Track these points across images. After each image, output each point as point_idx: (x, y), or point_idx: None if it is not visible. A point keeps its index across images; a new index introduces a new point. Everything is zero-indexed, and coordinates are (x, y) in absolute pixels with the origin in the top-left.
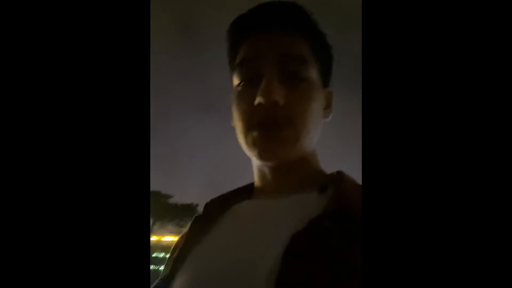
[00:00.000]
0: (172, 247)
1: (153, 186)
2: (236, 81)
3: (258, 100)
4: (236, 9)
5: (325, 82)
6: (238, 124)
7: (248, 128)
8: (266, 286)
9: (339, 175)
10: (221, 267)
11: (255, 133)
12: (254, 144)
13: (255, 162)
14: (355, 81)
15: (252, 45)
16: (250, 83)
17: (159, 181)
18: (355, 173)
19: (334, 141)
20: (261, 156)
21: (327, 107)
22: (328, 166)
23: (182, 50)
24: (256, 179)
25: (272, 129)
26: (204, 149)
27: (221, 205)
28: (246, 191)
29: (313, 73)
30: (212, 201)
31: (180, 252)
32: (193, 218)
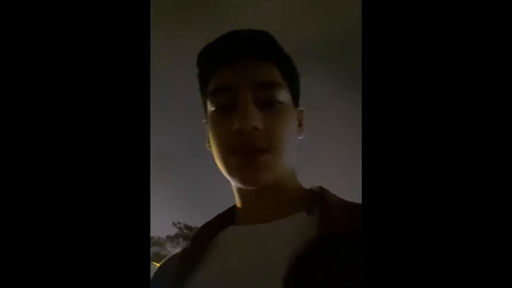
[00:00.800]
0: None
1: None
2: (210, 107)
3: (237, 125)
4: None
5: (296, 102)
6: (216, 149)
7: (227, 154)
8: None
9: (321, 191)
10: None
11: (234, 159)
12: (235, 170)
13: (235, 185)
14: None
15: (224, 75)
16: (225, 110)
17: None
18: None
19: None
20: (243, 181)
21: (300, 125)
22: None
23: None
24: (238, 202)
25: (252, 155)
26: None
27: (207, 234)
28: (229, 215)
29: (286, 96)
30: (197, 231)
31: (172, 282)
32: (181, 250)
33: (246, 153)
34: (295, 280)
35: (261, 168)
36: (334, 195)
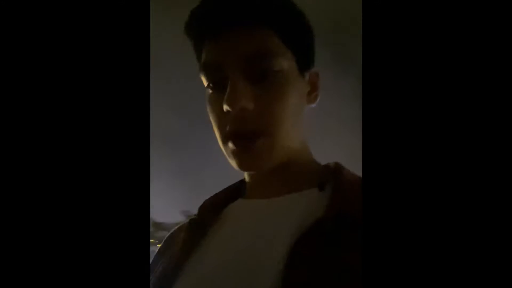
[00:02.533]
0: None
1: None
2: (204, 82)
3: (225, 107)
4: None
5: (305, 67)
6: (215, 130)
7: (223, 138)
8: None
9: (337, 168)
10: (223, 271)
11: (230, 144)
12: (232, 155)
13: None
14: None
15: (212, 48)
16: (216, 87)
17: None
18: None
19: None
20: (241, 167)
21: (312, 91)
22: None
23: None
24: (247, 177)
25: (245, 140)
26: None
27: (215, 206)
28: (239, 189)
29: (286, 63)
30: (205, 202)
31: (179, 256)
32: (188, 220)
33: (239, 139)
34: (296, 259)
35: (258, 154)
36: (352, 173)
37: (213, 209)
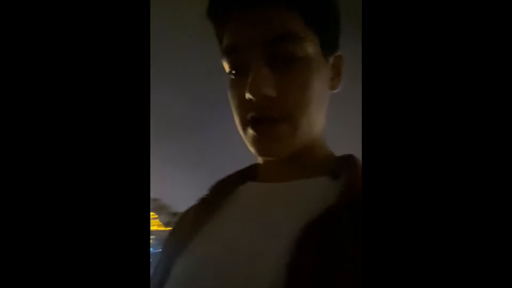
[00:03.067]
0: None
1: None
2: (226, 68)
3: (246, 95)
4: None
5: (331, 49)
6: (235, 117)
7: (243, 124)
8: (278, 274)
9: (351, 159)
10: (228, 251)
11: (250, 131)
12: (252, 141)
13: None
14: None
15: (233, 31)
16: (239, 73)
17: None
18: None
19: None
20: (260, 153)
21: (336, 76)
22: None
23: None
24: (261, 161)
25: (267, 126)
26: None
27: (226, 186)
28: (251, 172)
29: (310, 49)
30: (217, 183)
31: (187, 231)
32: (199, 200)
33: (260, 125)
34: (304, 244)
35: (276, 140)
36: (359, 163)
37: (224, 189)
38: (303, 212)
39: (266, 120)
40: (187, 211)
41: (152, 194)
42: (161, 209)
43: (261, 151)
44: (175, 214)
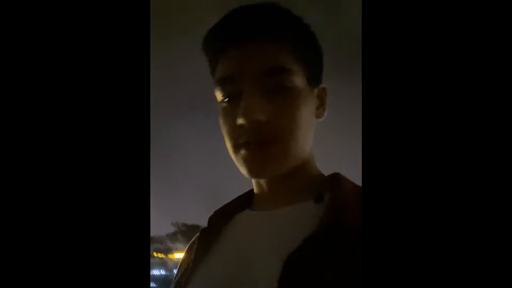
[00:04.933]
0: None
1: None
2: (218, 97)
3: (239, 121)
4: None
5: (315, 82)
6: (226, 142)
7: (235, 147)
8: None
9: (335, 179)
10: (226, 279)
11: (242, 152)
12: (243, 162)
13: None
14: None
15: (227, 62)
16: (231, 100)
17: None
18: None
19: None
20: (251, 174)
21: (320, 105)
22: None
23: None
24: (255, 187)
25: (258, 148)
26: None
27: (224, 216)
28: (247, 199)
29: (298, 80)
30: (215, 213)
31: (191, 262)
32: (200, 231)
33: (252, 147)
34: (289, 274)
35: (268, 160)
36: (349, 181)
37: (222, 219)
38: (288, 240)
39: (257, 142)
40: (192, 242)
41: None
42: None
43: (252, 171)
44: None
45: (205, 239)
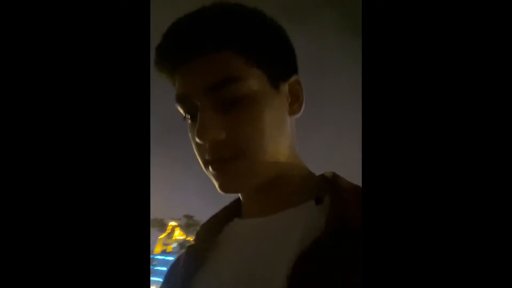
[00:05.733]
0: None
1: None
2: (182, 113)
3: (197, 140)
4: None
5: (280, 80)
6: (197, 158)
7: (204, 164)
8: None
9: (333, 179)
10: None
11: (210, 169)
12: (213, 179)
13: None
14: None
15: (181, 80)
16: (192, 118)
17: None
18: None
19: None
20: (222, 190)
21: (295, 101)
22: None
23: None
24: (241, 196)
25: (223, 165)
26: None
27: (211, 229)
28: (234, 208)
29: (255, 85)
30: (201, 228)
31: (182, 280)
32: (186, 248)
33: (216, 165)
34: (298, 279)
35: (236, 176)
36: (348, 182)
37: (210, 232)
38: (294, 245)
39: (220, 161)
40: (175, 262)
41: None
42: None
43: (224, 188)
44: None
45: (193, 257)
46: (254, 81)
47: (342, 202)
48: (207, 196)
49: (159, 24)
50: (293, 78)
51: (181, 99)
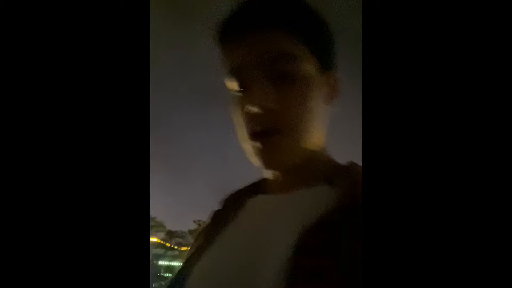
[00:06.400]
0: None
1: None
2: (230, 87)
3: (250, 109)
4: None
5: (326, 69)
6: (238, 132)
7: (247, 138)
8: (276, 282)
9: (352, 166)
10: (237, 261)
11: (255, 144)
12: (257, 153)
13: None
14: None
15: (237, 54)
16: (243, 90)
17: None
18: None
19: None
20: (264, 165)
21: (331, 93)
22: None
23: None
24: (267, 175)
25: (271, 139)
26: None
27: (237, 200)
28: (261, 185)
29: (308, 67)
30: (230, 196)
31: (202, 242)
32: (213, 212)
33: (265, 138)
34: (303, 249)
35: (282, 150)
36: (359, 169)
37: (235, 202)
38: (302, 217)
39: (270, 133)
40: (205, 227)
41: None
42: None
43: (264, 163)
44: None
45: (218, 220)
46: (308, 64)
47: (355, 184)
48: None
49: (159, 24)
50: (334, 71)
51: (236, 71)
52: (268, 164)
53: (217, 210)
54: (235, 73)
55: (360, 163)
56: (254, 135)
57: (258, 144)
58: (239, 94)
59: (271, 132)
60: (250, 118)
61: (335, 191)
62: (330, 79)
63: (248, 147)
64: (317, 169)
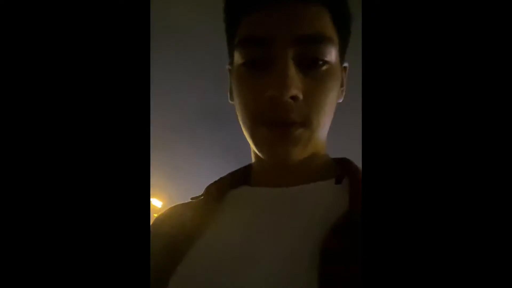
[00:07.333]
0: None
1: None
2: (238, 59)
3: (271, 92)
4: None
5: (343, 58)
6: (242, 115)
7: (255, 123)
8: (308, 283)
9: (349, 163)
10: (229, 260)
11: (264, 131)
12: (264, 143)
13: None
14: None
15: (259, 20)
16: (256, 66)
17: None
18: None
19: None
20: (272, 157)
21: (341, 86)
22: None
23: None
24: (255, 164)
25: (286, 128)
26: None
27: (220, 189)
28: (244, 174)
29: (333, 53)
30: (211, 185)
31: (187, 234)
32: (192, 200)
33: (279, 126)
34: (330, 254)
35: (295, 143)
36: (357, 166)
37: (218, 192)
38: (320, 220)
39: (286, 122)
40: (172, 209)
41: None
42: None
43: (272, 155)
44: None
45: (199, 209)
46: (334, 48)
47: (359, 184)
48: None
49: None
50: (345, 64)
51: (253, 40)
52: (275, 156)
53: (197, 198)
54: (249, 44)
55: (359, 161)
56: (266, 122)
57: (269, 133)
58: (251, 70)
59: (291, 123)
60: (264, 103)
61: (341, 188)
62: (343, 72)
63: (254, 134)
64: (314, 163)
